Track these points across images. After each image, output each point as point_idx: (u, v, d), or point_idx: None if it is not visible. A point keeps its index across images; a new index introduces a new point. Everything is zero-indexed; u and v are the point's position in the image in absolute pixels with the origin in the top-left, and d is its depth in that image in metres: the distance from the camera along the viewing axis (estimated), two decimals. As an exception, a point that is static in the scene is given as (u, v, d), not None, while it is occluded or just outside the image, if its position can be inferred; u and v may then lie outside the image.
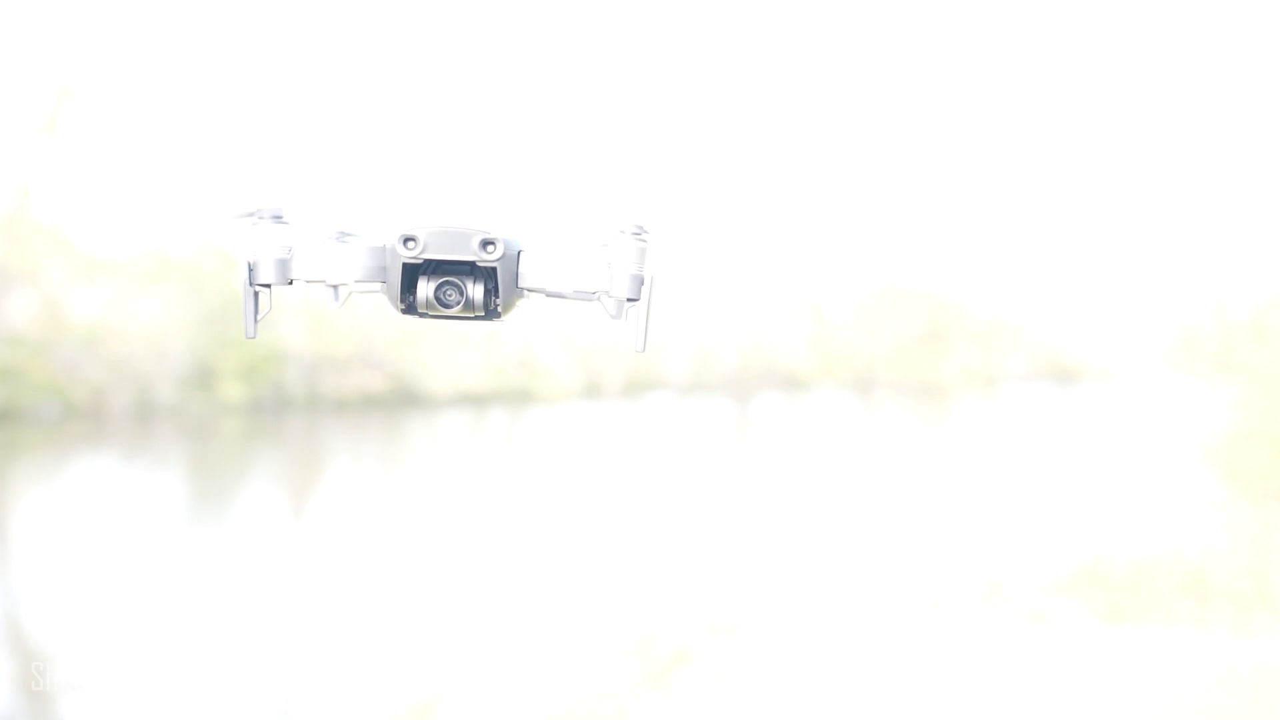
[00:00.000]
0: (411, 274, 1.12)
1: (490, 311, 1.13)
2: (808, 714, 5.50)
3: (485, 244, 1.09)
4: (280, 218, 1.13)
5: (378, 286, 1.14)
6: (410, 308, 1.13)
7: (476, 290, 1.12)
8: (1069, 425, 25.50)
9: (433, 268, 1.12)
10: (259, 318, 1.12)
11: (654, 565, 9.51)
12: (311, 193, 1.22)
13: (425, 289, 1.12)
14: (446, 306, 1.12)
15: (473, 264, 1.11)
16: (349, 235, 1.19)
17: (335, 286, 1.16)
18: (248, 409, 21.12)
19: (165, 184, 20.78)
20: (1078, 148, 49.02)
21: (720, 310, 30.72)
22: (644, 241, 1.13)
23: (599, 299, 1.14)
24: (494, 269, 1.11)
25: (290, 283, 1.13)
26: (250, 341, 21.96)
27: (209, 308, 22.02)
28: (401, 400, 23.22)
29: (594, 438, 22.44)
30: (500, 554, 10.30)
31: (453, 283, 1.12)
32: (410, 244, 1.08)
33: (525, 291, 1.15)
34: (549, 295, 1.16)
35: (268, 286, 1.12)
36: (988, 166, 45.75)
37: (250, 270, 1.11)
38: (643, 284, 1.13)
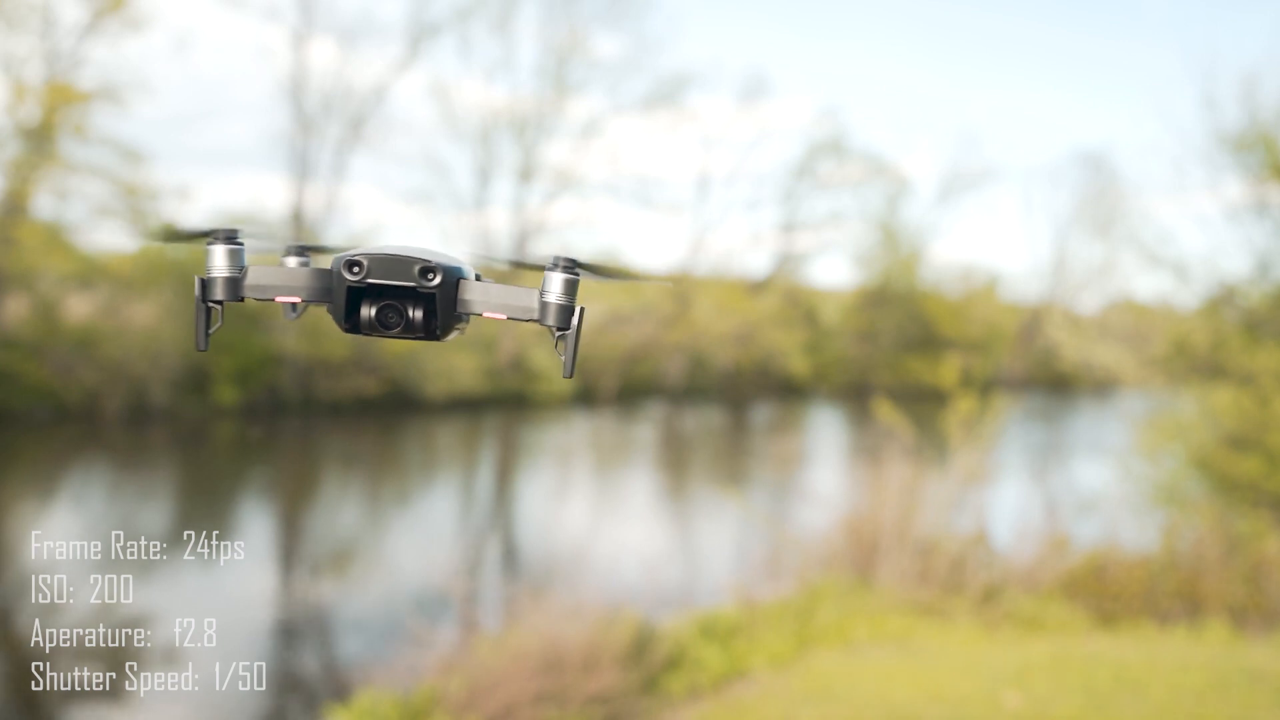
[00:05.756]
0: (356, 296, 1.16)
1: (430, 333, 1.18)
2: (803, 715, 5.52)
3: (425, 271, 1.14)
4: (234, 239, 1.18)
5: (326, 306, 1.20)
6: (354, 328, 1.19)
7: (417, 313, 1.17)
8: (1065, 428, 25.52)
9: (376, 291, 1.16)
10: (210, 332, 1.18)
11: (649, 568, 9.52)
12: (266, 216, 1.27)
13: (367, 311, 1.17)
14: (387, 328, 1.17)
15: (414, 288, 1.15)
16: (300, 257, 1.25)
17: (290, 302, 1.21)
18: (242, 412, 21.07)
19: (160, 187, 20.78)
20: (1074, 148, 49.14)
21: (714, 315, 30.75)
22: (574, 275, 1.18)
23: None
24: (434, 294, 1.15)
25: (241, 299, 1.19)
26: (245, 345, 21.72)
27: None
28: (396, 404, 23.19)
29: (587, 442, 22.44)
30: (495, 556, 10.30)
31: (394, 306, 1.16)
32: (354, 269, 1.14)
33: (466, 315, 1.20)
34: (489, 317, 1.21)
35: (220, 303, 1.18)
36: (985, 167, 45.90)
37: (204, 287, 1.16)
38: (571, 315, 1.18)
